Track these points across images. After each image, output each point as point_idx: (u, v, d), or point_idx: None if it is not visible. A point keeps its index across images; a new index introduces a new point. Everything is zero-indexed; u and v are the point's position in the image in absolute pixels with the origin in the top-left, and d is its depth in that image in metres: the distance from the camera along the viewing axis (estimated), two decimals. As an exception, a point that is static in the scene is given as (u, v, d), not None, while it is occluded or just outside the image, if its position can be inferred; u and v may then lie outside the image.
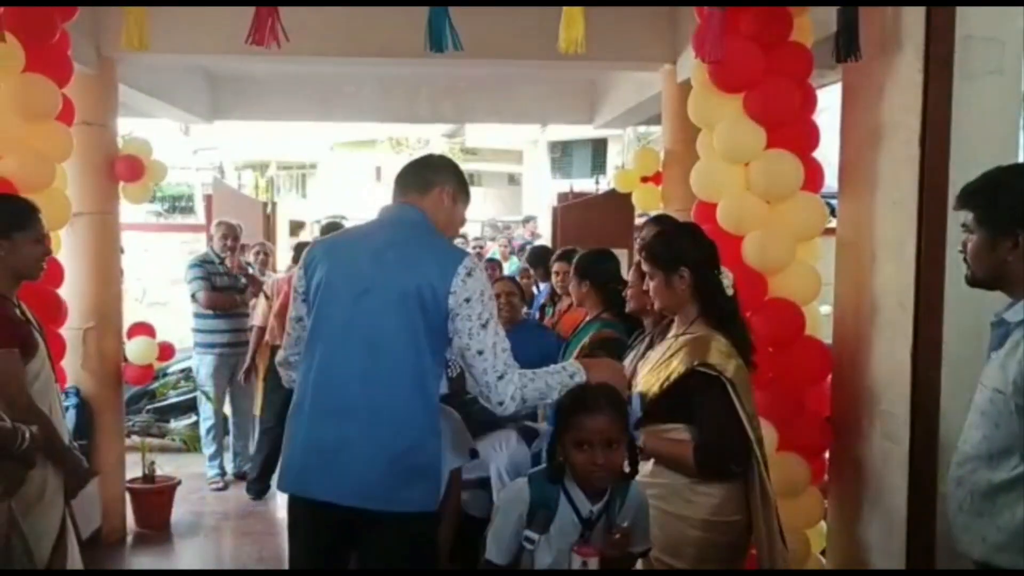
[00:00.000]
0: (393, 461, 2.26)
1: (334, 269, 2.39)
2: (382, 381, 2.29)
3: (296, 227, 12.45)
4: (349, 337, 2.32)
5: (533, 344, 3.43)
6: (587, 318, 3.68)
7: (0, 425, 2.30)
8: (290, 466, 2.39)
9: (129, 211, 5.31)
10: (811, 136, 3.30)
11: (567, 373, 2.37)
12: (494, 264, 7.74)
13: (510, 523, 2.22)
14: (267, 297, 5.97)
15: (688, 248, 2.62)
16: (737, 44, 3.09)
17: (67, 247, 4.32)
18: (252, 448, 6.42)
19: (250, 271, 6.27)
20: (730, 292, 2.62)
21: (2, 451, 2.28)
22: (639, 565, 2.48)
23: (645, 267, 2.68)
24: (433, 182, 2.49)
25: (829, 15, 3.00)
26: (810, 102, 3.31)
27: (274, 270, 7.07)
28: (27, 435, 2.32)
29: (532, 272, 6.60)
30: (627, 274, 3.34)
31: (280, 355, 2.59)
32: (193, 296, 5.91)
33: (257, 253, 6.47)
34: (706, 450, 2.47)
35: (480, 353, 2.29)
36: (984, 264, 2.01)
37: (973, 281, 2.08)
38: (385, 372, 2.29)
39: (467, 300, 2.29)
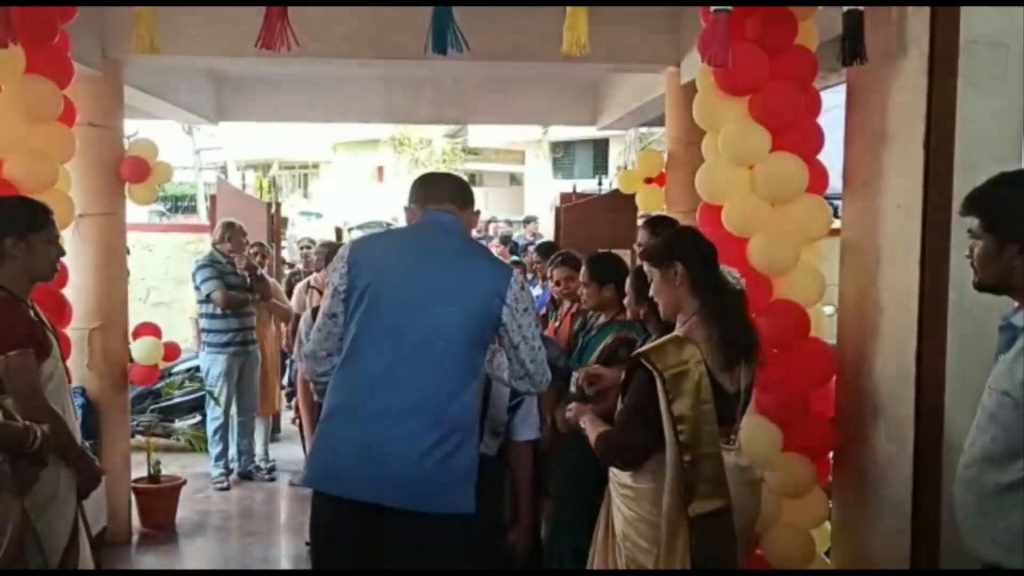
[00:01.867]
0: (441, 463, 2.33)
1: (385, 274, 2.43)
2: (435, 385, 2.37)
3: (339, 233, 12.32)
4: (403, 342, 2.38)
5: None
6: (600, 320, 3.67)
7: (13, 424, 2.32)
8: (331, 467, 2.41)
9: (131, 211, 5.31)
10: (815, 139, 3.31)
11: None
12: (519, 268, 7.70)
13: None
14: (320, 292, 6.05)
15: (680, 244, 2.69)
16: (742, 48, 3.10)
17: (73, 248, 4.33)
18: (258, 447, 6.45)
19: (259, 272, 6.29)
20: (739, 287, 2.64)
21: (15, 450, 2.31)
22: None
23: (646, 268, 2.72)
24: (470, 200, 2.62)
25: (833, 18, 3.01)
26: (814, 105, 3.32)
27: (271, 270, 7.10)
28: (39, 434, 2.35)
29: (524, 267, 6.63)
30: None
31: (308, 347, 2.56)
32: (207, 297, 5.92)
33: (255, 254, 6.48)
34: (602, 438, 2.60)
35: (540, 348, 2.52)
36: (991, 269, 2.03)
37: (980, 286, 2.10)
38: (439, 376, 2.37)
39: (525, 310, 2.46)
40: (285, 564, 4.90)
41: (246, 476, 6.23)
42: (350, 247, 2.55)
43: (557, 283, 4.52)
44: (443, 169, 26.52)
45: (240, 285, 6.04)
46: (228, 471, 6.15)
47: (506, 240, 11.60)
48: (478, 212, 2.70)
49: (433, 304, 2.38)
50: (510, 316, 2.42)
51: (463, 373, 2.40)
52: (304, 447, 5.86)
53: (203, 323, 6.06)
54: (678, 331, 2.58)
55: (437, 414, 2.34)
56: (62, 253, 2.82)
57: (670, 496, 2.46)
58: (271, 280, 6.71)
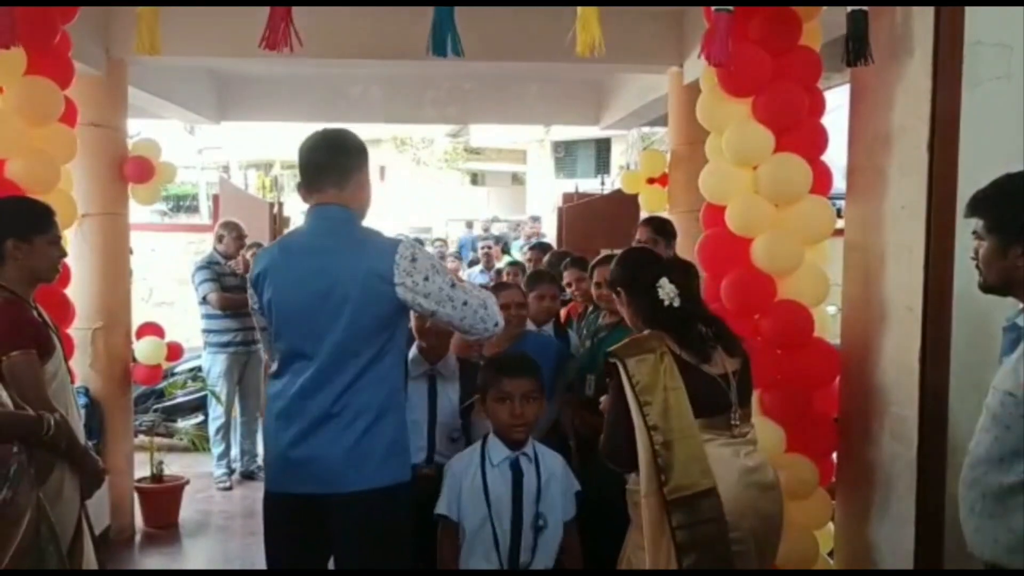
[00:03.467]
0: (351, 448, 2.42)
1: (280, 288, 2.49)
2: (331, 385, 2.43)
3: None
4: (307, 344, 2.45)
5: (544, 353, 3.40)
6: (611, 321, 3.66)
7: (25, 414, 2.35)
8: (272, 468, 2.57)
9: (134, 211, 5.32)
10: (819, 140, 3.31)
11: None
12: (517, 268, 7.59)
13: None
14: None
15: (616, 271, 2.86)
16: (746, 49, 3.10)
17: (76, 248, 4.35)
18: (260, 447, 6.43)
19: None
20: (676, 303, 2.64)
21: (31, 439, 2.33)
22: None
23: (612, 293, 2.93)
24: (350, 171, 2.53)
25: (836, 18, 3.01)
26: (818, 106, 3.32)
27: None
28: (52, 423, 2.40)
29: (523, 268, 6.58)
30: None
31: (263, 352, 2.71)
32: (204, 299, 5.93)
33: (253, 254, 6.48)
34: (600, 446, 2.66)
35: (465, 304, 2.46)
36: (995, 271, 2.03)
37: (985, 287, 2.10)
38: (334, 375, 2.43)
39: (426, 278, 2.43)
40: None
41: (249, 476, 6.23)
42: (255, 260, 2.65)
43: (568, 284, 4.55)
44: (444, 169, 26.55)
45: (239, 286, 6.04)
46: (231, 471, 6.15)
47: (499, 240, 11.56)
48: (362, 168, 2.57)
49: (325, 304, 2.42)
50: (409, 292, 2.42)
51: (360, 364, 2.43)
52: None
53: (203, 323, 6.06)
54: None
55: (336, 410, 2.43)
56: (64, 254, 2.82)
57: (646, 480, 2.49)
58: None
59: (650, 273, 2.71)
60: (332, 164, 2.52)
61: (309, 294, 2.44)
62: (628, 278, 2.80)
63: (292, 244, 2.61)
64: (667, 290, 2.64)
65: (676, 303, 2.64)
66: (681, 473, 2.46)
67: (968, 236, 2.19)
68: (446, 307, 2.44)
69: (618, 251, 3.27)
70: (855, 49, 2.83)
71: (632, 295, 2.77)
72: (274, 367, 2.60)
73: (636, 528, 2.67)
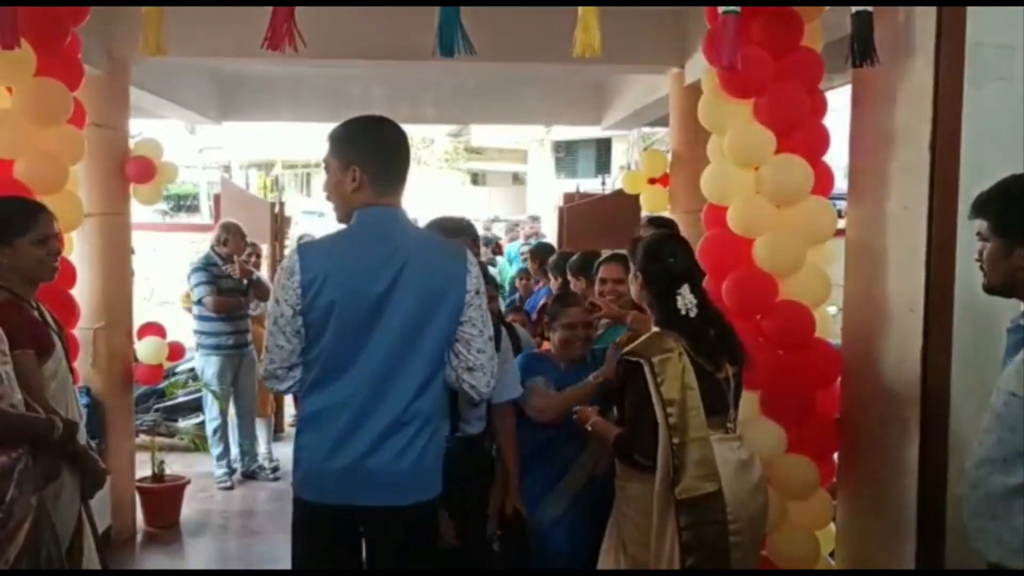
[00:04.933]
0: (419, 458, 2.35)
1: (345, 290, 2.30)
2: (403, 390, 2.34)
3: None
4: (370, 354, 2.32)
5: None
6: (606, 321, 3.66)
7: (34, 416, 2.35)
8: (311, 476, 2.41)
9: (135, 210, 5.33)
10: (821, 140, 3.31)
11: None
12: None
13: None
14: None
15: (643, 256, 2.81)
16: (748, 50, 3.10)
17: (79, 248, 4.35)
18: (261, 446, 6.44)
19: (255, 276, 6.25)
20: (691, 315, 2.67)
21: (39, 442, 2.34)
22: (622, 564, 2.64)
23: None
24: (404, 179, 2.43)
25: (838, 18, 3.01)
26: (820, 106, 3.32)
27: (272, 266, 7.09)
28: (59, 424, 2.41)
29: (530, 273, 6.55)
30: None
31: (269, 366, 2.40)
32: (199, 301, 5.92)
33: (249, 254, 6.47)
34: (620, 438, 2.69)
35: (491, 340, 2.42)
36: (999, 272, 2.03)
37: (989, 289, 2.10)
38: (406, 380, 2.34)
39: (478, 292, 2.39)
40: (288, 564, 4.90)
41: (250, 476, 6.24)
42: (300, 260, 2.34)
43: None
44: (445, 169, 26.52)
45: (235, 288, 6.03)
46: (231, 471, 6.15)
47: (489, 242, 10.96)
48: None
49: (393, 309, 2.31)
50: (470, 297, 2.37)
51: (429, 370, 2.36)
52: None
53: (196, 325, 6.03)
54: (655, 327, 2.72)
55: (407, 416, 2.34)
56: (58, 251, 2.78)
57: (660, 478, 2.54)
58: (268, 284, 6.69)
59: (675, 275, 2.71)
60: (407, 167, 2.45)
61: (381, 295, 2.30)
62: (652, 272, 2.76)
63: (349, 243, 2.40)
64: (686, 300, 2.67)
65: (692, 313, 2.66)
66: (692, 475, 2.53)
67: (970, 237, 2.20)
68: (475, 332, 2.38)
69: (622, 251, 3.29)
70: (860, 50, 2.83)
71: (652, 291, 2.75)
72: (313, 374, 2.38)
73: (632, 522, 2.68)
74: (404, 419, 2.33)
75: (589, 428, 2.88)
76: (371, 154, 2.38)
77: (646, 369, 2.55)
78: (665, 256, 2.76)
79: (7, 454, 2.18)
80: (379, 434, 2.33)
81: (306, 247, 2.46)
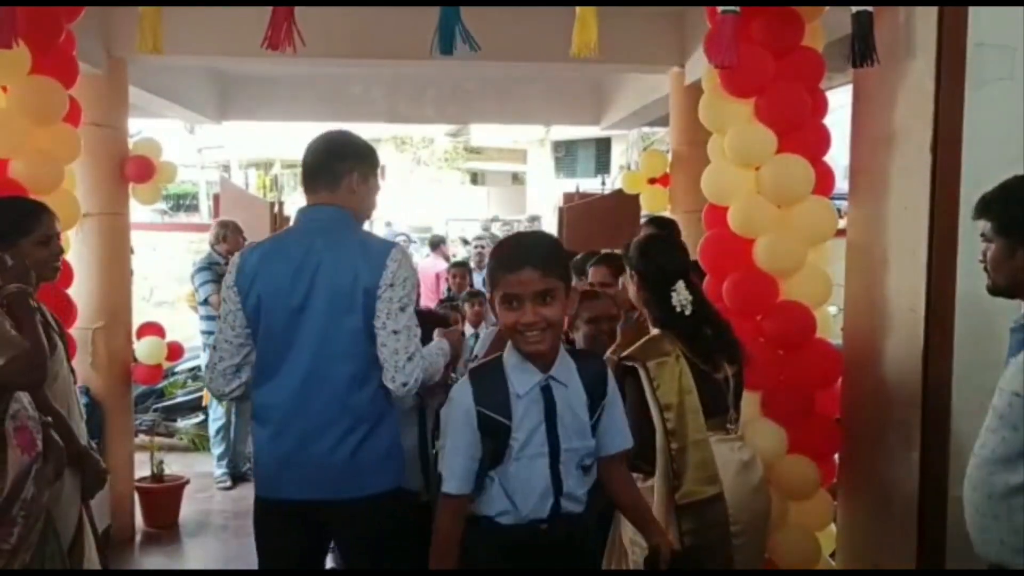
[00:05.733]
0: (352, 454, 2.40)
1: (269, 287, 2.43)
2: (331, 387, 2.40)
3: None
4: (297, 351, 2.41)
5: None
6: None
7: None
8: (263, 474, 2.52)
9: (134, 210, 5.32)
10: (822, 140, 3.31)
11: (436, 344, 2.67)
12: (465, 269, 7.51)
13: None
14: None
15: (636, 256, 2.76)
16: (749, 49, 3.10)
17: (77, 248, 4.34)
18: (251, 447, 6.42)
19: None
20: (687, 311, 2.64)
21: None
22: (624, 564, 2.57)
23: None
24: (340, 173, 2.50)
25: (839, 18, 3.00)
26: (821, 107, 3.32)
27: None
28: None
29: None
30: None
31: (216, 367, 2.53)
32: (206, 300, 5.91)
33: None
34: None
35: (395, 333, 2.38)
36: (1004, 272, 2.03)
37: (994, 290, 2.10)
38: (333, 374, 2.40)
39: (391, 285, 2.39)
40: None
41: (241, 477, 6.20)
42: (239, 260, 2.54)
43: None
44: (444, 168, 26.53)
45: None
46: (231, 471, 6.14)
47: (465, 241, 10.46)
48: (373, 168, 2.56)
49: (314, 307, 2.40)
50: (381, 291, 2.38)
51: (357, 367, 2.41)
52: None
53: (202, 324, 6.02)
54: (654, 330, 2.67)
55: (342, 409, 2.40)
56: (60, 252, 2.78)
57: (660, 484, 2.52)
58: None
59: (669, 272, 2.69)
60: (324, 169, 2.51)
61: (300, 294, 2.40)
62: (647, 271, 2.74)
63: (280, 243, 2.57)
64: (681, 297, 2.64)
65: (687, 311, 2.64)
66: (692, 479, 2.52)
67: (971, 237, 2.20)
68: (378, 324, 2.38)
69: (618, 251, 3.27)
70: (860, 50, 2.84)
71: (648, 289, 2.73)
72: (253, 373, 2.52)
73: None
74: (333, 417, 2.40)
75: None
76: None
77: (641, 374, 2.53)
78: (657, 254, 2.76)
79: (28, 453, 2.19)
80: (309, 431, 2.41)
81: (250, 247, 2.67)
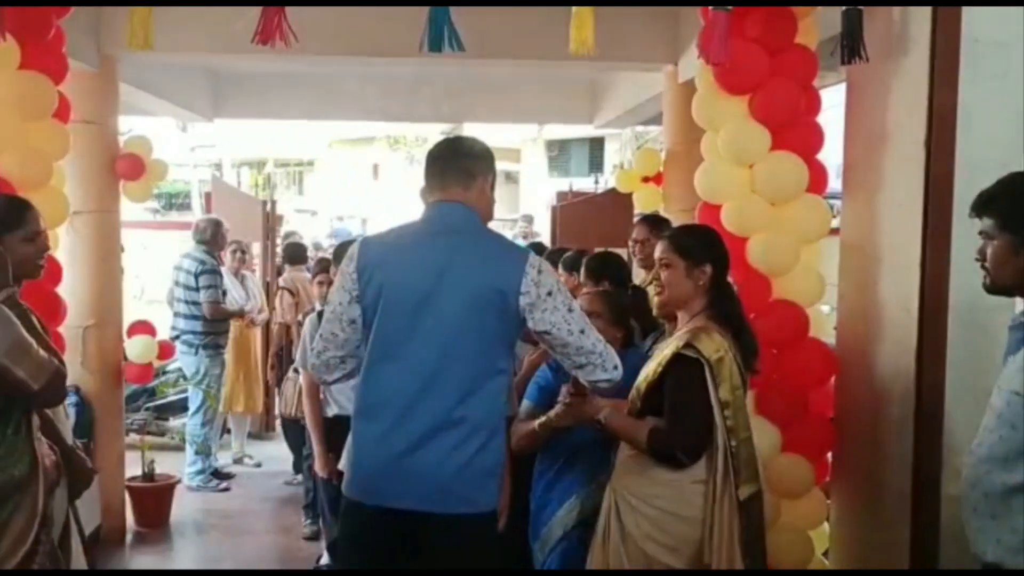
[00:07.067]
0: (465, 465, 2.29)
1: (394, 278, 2.34)
2: (451, 388, 2.29)
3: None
4: (417, 347, 2.30)
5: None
6: None
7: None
8: (361, 476, 2.38)
9: (125, 208, 5.29)
10: (815, 138, 3.30)
11: None
12: None
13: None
14: (292, 294, 6.25)
15: (715, 247, 2.69)
16: (742, 47, 3.09)
17: (67, 245, 4.31)
18: (235, 444, 6.46)
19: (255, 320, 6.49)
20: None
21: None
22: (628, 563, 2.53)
23: (666, 256, 2.66)
24: (475, 174, 2.44)
25: (833, 16, 3.00)
26: (814, 104, 3.31)
27: (251, 269, 7.07)
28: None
29: None
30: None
31: (322, 354, 2.44)
32: (206, 303, 5.88)
33: (234, 252, 6.45)
34: (659, 433, 2.51)
35: (583, 332, 2.35)
36: (1007, 270, 2.00)
37: (994, 288, 2.07)
38: (455, 379, 2.30)
39: (549, 294, 2.32)
40: (278, 563, 4.88)
41: (222, 475, 6.20)
42: (359, 247, 2.43)
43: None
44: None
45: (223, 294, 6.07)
46: (209, 469, 6.10)
47: None
48: (490, 179, 2.48)
49: (440, 306, 2.30)
50: (537, 301, 2.30)
51: (479, 372, 2.31)
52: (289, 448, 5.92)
53: (187, 324, 5.97)
54: (696, 323, 2.59)
55: (456, 417, 2.29)
56: (45, 249, 2.74)
57: (722, 483, 2.47)
58: (259, 298, 6.70)
59: (729, 262, 2.68)
60: (459, 167, 2.43)
61: (427, 289, 2.30)
62: (722, 259, 2.66)
63: (407, 235, 2.46)
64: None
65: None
66: (745, 476, 2.51)
67: (965, 235, 2.18)
68: (562, 330, 2.32)
69: (616, 250, 3.25)
70: (849, 47, 2.83)
71: (717, 275, 2.63)
72: (363, 365, 2.40)
73: (648, 520, 2.54)
74: (451, 421, 2.28)
75: (603, 420, 2.61)
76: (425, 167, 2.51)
77: (706, 370, 2.47)
78: (722, 244, 2.73)
79: (54, 451, 2.18)
80: (422, 434, 2.28)
81: (369, 237, 2.60)
